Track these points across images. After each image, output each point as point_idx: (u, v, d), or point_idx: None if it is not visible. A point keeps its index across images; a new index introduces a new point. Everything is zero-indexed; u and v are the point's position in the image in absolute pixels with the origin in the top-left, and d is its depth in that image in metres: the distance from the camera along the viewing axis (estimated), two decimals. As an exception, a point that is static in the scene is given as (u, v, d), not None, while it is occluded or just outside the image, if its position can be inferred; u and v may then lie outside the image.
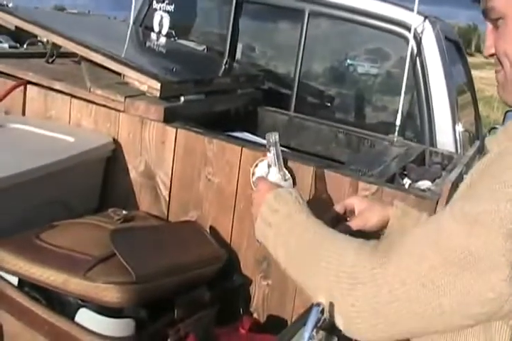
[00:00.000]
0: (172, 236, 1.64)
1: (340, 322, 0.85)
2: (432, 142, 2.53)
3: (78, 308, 1.36)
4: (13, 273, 1.41)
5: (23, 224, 1.49)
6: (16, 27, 2.18)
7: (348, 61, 3.12)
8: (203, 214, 1.81)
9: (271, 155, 1.52)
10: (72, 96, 1.94)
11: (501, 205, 0.72)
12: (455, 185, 1.51)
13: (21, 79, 2.01)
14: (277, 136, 1.52)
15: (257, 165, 1.66)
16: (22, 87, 2.00)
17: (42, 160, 1.61)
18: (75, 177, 1.75)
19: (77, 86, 1.95)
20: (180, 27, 3.25)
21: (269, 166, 1.53)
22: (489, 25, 0.90)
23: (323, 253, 0.89)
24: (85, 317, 1.36)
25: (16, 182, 1.51)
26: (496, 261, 0.72)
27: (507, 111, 2.87)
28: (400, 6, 2.65)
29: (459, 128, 2.57)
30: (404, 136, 2.40)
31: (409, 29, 2.44)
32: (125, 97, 1.87)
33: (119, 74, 2.01)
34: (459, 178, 1.63)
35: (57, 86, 1.96)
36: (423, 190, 1.63)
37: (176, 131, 1.81)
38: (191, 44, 3.11)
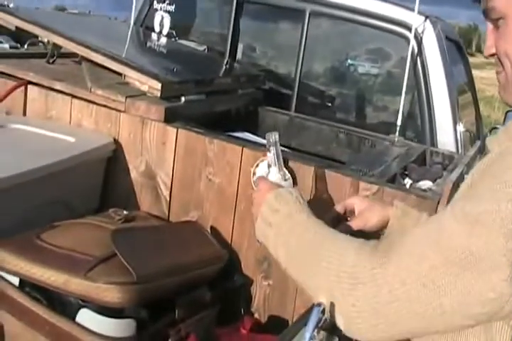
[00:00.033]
0: (173, 236, 1.64)
1: (340, 322, 0.85)
2: (433, 142, 2.53)
3: (79, 308, 1.36)
4: (14, 274, 1.41)
5: (24, 225, 1.49)
6: (17, 27, 2.18)
7: (349, 61, 3.12)
8: (204, 214, 1.81)
9: (271, 155, 1.52)
10: (73, 96, 1.94)
11: (502, 205, 0.72)
12: (456, 185, 1.51)
13: (22, 79, 2.01)
14: (277, 136, 1.52)
15: (257, 165, 1.66)
16: (23, 88, 2.00)
17: (43, 161, 1.61)
18: (75, 177, 1.76)
19: (78, 86, 1.95)
20: (180, 27, 3.25)
21: (269, 166, 1.53)
22: (489, 25, 0.90)
23: (324, 253, 0.89)
24: (86, 317, 1.36)
25: (17, 183, 1.51)
26: (497, 261, 0.72)
27: (508, 111, 2.87)
28: (401, 6, 2.65)
29: (460, 128, 2.57)
30: (405, 136, 2.40)
31: (409, 29, 2.44)
32: (126, 97, 1.87)
33: (119, 74, 2.01)
34: (460, 178, 1.62)
35: (58, 86, 1.96)
36: (424, 190, 1.62)
37: (177, 131, 1.81)
38: (192, 44, 3.11)
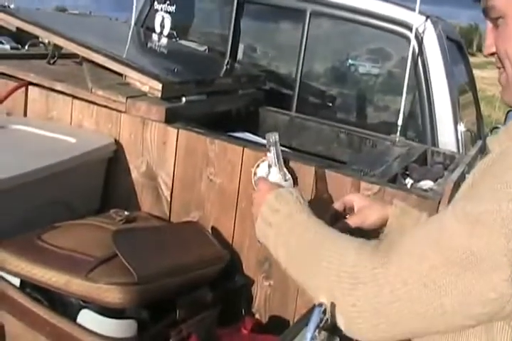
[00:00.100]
0: (174, 236, 1.64)
1: (341, 322, 0.85)
2: (434, 142, 2.53)
3: (80, 309, 1.36)
4: (15, 274, 1.41)
5: (25, 225, 1.49)
6: (18, 28, 2.18)
7: (350, 61, 3.12)
8: (205, 214, 1.81)
9: (271, 156, 1.52)
10: (74, 97, 1.94)
11: (503, 205, 0.72)
12: (457, 185, 1.51)
13: (23, 80, 2.01)
14: (277, 136, 1.52)
15: (258, 166, 1.66)
16: (23, 88, 2.00)
17: (44, 161, 1.61)
18: (76, 178, 1.76)
19: (79, 87, 1.95)
20: (181, 28, 3.25)
21: (269, 166, 1.53)
22: (489, 24, 0.90)
23: (324, 253, 0.89)
24: (87, 318, 1.35)
25: (18, 183, 1.51)
26: (498, 261, 0.71)
27: (509, 111, 2.87)
28: (402, 6, 2.65)
29: (461, 127, 2.57)
30: (406, 136, 2.40)
31: (410, 29, 2.44)
32: (126, 98, 1.87)
33: (120, 75, 2.01)
34: (461, 178, 1.62)
35: (59, 87, 1.96)
36: (425, 190, 1.62)
37: (178, 131, 1.81)
38: (192, 45, 3.11)
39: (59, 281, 1.35)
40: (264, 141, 1.57)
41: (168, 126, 1.82)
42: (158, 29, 3.17)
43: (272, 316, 1.76)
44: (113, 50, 2.11)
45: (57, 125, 1.96)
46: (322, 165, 1.66)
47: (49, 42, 2.38)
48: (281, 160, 1.53)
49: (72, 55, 2.28)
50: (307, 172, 1.63)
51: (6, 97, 1.97)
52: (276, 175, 1.51)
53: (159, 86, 1.89)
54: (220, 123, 2.08)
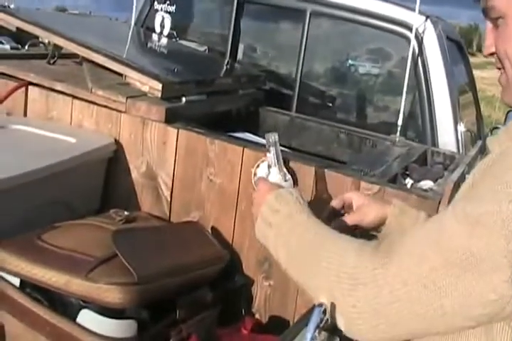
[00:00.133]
0: (174, 236, 1.64)
1: (341, 323, 0.84)
2: (434, 142, 2.52)
3: (80, 309, 1.36)
4: (15, 274, 1.41)
5: (25, 225, 1.49)
6: (18, 28, 2.18)
7: (350, 61, 3.12)
8: (205, 214, 1.81)
9: (271, 156, 1.52)
10: (74, 97, 1.94)
11: (503, 206, 0.72)
12: (457, 185, 1.51)
13: (23, 80, 2.01)
14: (277, 137, 1.52)
15: (258, 166, 1.66)
16: (23, 88, 2.00)
17: (44, 161, 1.61)
18: (76, 178, 1.76)
19: (79, 87, 1.95)
20: (181, 27, 3.25)
21: (269, 167, 1.53)
22: (489, 24, 0.90)
23: (324, 253, 0.89)
24: (87, 318, 1.35)
25: (18, 183, 1.51)
26: (498, 263, 0.71)
27: (509, 111, 2.87)
28: (402, 6, 2.65)
29: (461, 128, 2.56)
30: (406, 136, 2.40)
31: (410, 29, 2.44)
32: (126, 98, 1.87)
33: (120, 75, 2.01)
34: (461, 178, 1.62)
35: (59, 87, 1.96)
36: (425, 190, 1.62)
37: (178, 131, 1.81)
38: (192, 45, 3.11)
39: (59, 281, 1.35)
40: (264, 141, 1.57)
41: (168, 126, 1.82)
42: (158, 29, 3.16)
43: (271, 316, 1.76)
44: (113, 50, 2.11)
45: (57, 125, 1.96)
46: (322, 165, 1.66)
47: (49, 42, 2.38)
48: (281, 160, 1.53)
49: (72, 55, 2.28)
50: (307, 172, 1.63)
51: (6, 97, 1.97)
52: (276, 176, 1.51)
53: (159, 86, 1.89)
54: (220, 124, 2.08)
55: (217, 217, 1.80)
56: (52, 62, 2.23)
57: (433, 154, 2.19)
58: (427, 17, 2.58)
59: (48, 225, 1.53)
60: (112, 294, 1.32)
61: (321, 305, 0.84)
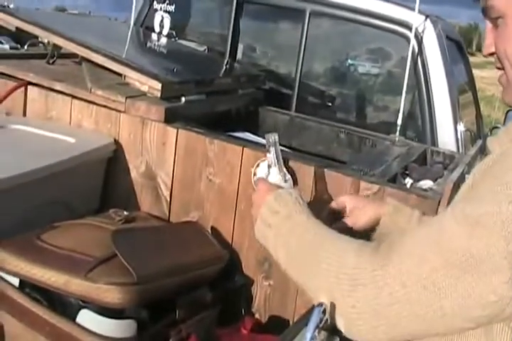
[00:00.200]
0: (173, 236, 1.64)
1: (341, 324, 0.84)
2: (434, 141, 2.52)
3: (79, 309, 1.36)
4: (14, 274, 1.41)
5: (24, 225, 1.48)
6: (17, 28, 2.18)
7: (349, 61, 3.12)
8: (204, 214, 1.81)
9: (271, 156, 1.52)
10: (73, 97, 1.94)
11: (503, 207, 0.72)
12: (457, 185, 1.51)
13: (22, 80, 2.01)
14: (277, 137, 1.51)
15: (258, 165, 1.66)
16: (23, 88, 2.00)
17: (43, 161, 1.61)
18: (76, 177, 1.75)
19: (78, 87, 1.95)
20: (181, 27, 3.25)
21: (269, 167, 1.53)
22: (489, 24, 0.90)
23: (324, 254, 0.88)
24: (87, 318, 1.35)
25: (17, 183, 1.51)
26: (498, 264, 0.71)
27: (508, 111, 2.88)
28: (401, 6, 2.65)
29: (461, 127, 2.56)
30: (405, 136, 2.40)
31: (410, 28, 2.44)
32: (126, 98, 1.87)
33: (119, 74, 2.01)
34: (461, 178, 1.62)
35: (58, 87, 1.96)
36: (425, 190, 1.62)
37: (177, 131, 1.81)
38: (192, 44, 3.11)
39: (58, 281, 1.34)
40: (263, 141, 1.57)
41: (168, 125, 1.82)
42: (157, 29, 3.16)
43: (271, 316, 1.76)
44: (112, 49, 2.11)
45: (57, 125, 1.95)
46: (322, 165, 1.66)
47: (48, 42, 2.38)
48: (281, 160, 1.53)
49: (71, 55, 2.28)
50: (307, 172, 1.63)
51: (5, 97, 1.97)
52: (276, 176, 1.50)
53: (159, 86, 1.89)
54: (220, 123, 2.08)
55: (217, 217, 1.80)
56: (51, 62, 2.23)
57: (433, 154, 2.19)
58: (427, 16, 2.58)
59: (47, 225, 1.53)
60: (112, 294, 1.32)
61: (320, 304, 0.84)
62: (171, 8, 3.17)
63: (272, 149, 1.51)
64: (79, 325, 1.35)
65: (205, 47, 3.13)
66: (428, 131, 2.55)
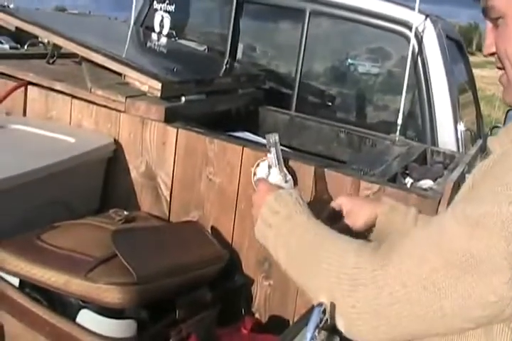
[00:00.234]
0: (173, 236, 1.64)
1: (341, 324, 0.84)
2: (434, 141, 2.52)
3: (79, 309, 1.36)
4: (14, 274, 1.41)
5: (24, 225, 1.48)
6: (17, 28, 2.18)
7: (349, 60, 3.12)
8: (205, 214, 1.81)
9: (271, 156, 1.51)
10: (73, 96, 1.94)
11: (503, 208, 0.71)
12: (457, 184, 1.51)
13: (22, 80, 2.01)
14: (277, 137, 1.51)
15: (258, 165, 1.65)
16: (23, 88, 2.00)
17: (43, 161, 1.61)
18: (76, 177, 1.75)
19: (78, 86, 1.95)
20: (181, 27, 3.25)
21: (269, 167, 1.53)
22: (489, 24, 0.90)
23: (324, 254, 0.88)
24: (87, 318, 1.35)
25: (17, 183, 1.51)
26: (498, 264, 0.71)
27: (508, 110, 2.88)
28: (401, 5, 2.65)
29: (461, 127, 2.56)
30: (405, 136, 2.40)
31: (410, 28, 2.44)
32: (126, 97, 1.87)
33: (119, 74, 2.00)
34: (461, 177, 1.62)
35: (58, 86, 1.96)
36: (425, 189, 1.62)
37: (177, 131, 1.81)
38: (192, 44, 3.11)
39: (58, 281, 1.34)
40: (263, 141, 1.57)
41: (168, 125, 1.82)
42: (157, 28, 3.16)
43: (271, 316, 1.76)
44: (112, 49, 2.11)
45: (57, 125, 1.95)
46: (322, 165, 1.66)
47: (48, 42, 2.38)
48: (282, 161, 1.53)
49: (71, 55, 2.28)
50: (307, 171, 1.63)
51: (5, 97, 1.96)
52: (276, 176, 1.50)
53: (159, 85, 1.89)
54: (220, 123, 2.08)
55: (217, 217, 1.79)
56: (51, 61, 2.23)
57: (433, 153, 2.19)
58: (427, 16, 2.58)
59: (47, 225, 1.53)
60: (112, 294, 1.32)
61: (320, 304, 0.84)
62: (171, 7, 3.16)
63: (273, 149, 1.51)
64: (79, 325, 1.35)
65: (205, 46, 3.13)
66: (428, 131, 2.55)
